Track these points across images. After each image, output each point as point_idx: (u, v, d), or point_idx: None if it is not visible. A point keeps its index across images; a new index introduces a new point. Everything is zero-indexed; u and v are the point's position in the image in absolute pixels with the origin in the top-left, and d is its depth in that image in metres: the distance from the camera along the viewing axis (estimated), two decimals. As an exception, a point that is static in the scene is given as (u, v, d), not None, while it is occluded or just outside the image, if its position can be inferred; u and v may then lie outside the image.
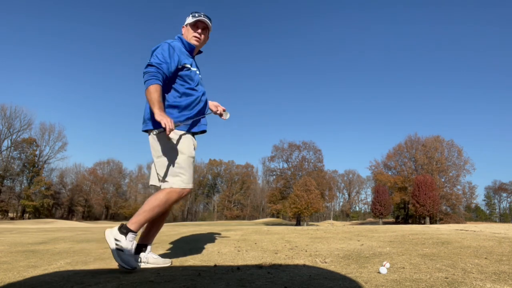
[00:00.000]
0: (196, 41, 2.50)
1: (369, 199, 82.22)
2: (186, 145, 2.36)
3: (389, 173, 62.95)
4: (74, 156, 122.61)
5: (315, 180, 51.58)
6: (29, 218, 53.99)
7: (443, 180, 58.20)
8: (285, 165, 60.73)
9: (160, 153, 2.32)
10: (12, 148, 56.91)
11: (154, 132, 2.15)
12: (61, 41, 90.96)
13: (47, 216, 55.49)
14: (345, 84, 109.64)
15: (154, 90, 2.20)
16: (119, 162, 76.06)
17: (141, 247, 2.39)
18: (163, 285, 1.71)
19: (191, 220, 71.50)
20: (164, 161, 2.31)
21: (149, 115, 2.37)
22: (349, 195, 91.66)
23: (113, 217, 70.82)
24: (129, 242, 2.16)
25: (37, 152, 60.05)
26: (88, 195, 69.38)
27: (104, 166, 74.28)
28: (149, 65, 2.27)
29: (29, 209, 56.56)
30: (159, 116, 2.13)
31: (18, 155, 58.35)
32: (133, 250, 2.20)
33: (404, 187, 58.22)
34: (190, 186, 2.33)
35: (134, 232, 2.19)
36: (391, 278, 1.77)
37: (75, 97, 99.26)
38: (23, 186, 58.34)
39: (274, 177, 62.51)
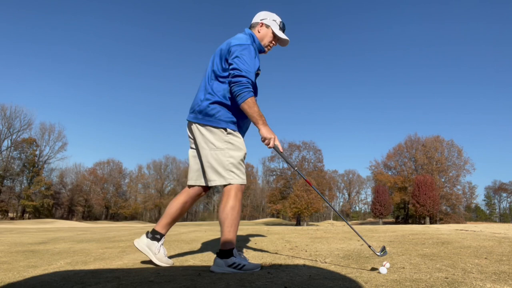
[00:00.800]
0: (268, 50, 2.52)
1: (369, 199, 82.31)
2: (242, 141, 2.35)
3: (389, 173, 63.02)
4: (74, 156, 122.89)
5: (315, 180, 51.58)
6: (29, 218, 54.02)
7: (443, 180, 58.25)
8: (285, 165, 60.76)
9: (217, 146, 2.26)
10: (12, 148, 57.00)
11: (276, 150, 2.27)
12: (61, 41, 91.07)
13: (47, 216, 55.53)
14: (345, 84, 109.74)
15: (253, 104, 2.19)
16: (119, 162, 76.04)
17: (156, 234, 2.39)
18: (163, 285, 1.71)
19: (191, 220, 71.46)
20: (221, 154, 2.25)
21: (200, 108, 2.30)
22: (349, 195, 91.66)
23: (113, 217, 70.81)
24: (238, 257, 2.17)
25: (37, 152, 60.14)
26: (88, 195, 69.38)
27: (104, 166, 74.27)
28: (239, 73, 2.17)
29: (29, 209, 56.60)
30: (267, 132, 2.20)
31: (18, 155, 58.46)
32: (241, 257, 2.23)
33: (404, 187, 58.27)
34: (245, 181, 2.33)
35: (234, 247, 2.18)
36: (391, 278, 1.77)
37: (75, 96, 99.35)
38: (23, 186, 58.38)
39: (274, 177, 62.55)
